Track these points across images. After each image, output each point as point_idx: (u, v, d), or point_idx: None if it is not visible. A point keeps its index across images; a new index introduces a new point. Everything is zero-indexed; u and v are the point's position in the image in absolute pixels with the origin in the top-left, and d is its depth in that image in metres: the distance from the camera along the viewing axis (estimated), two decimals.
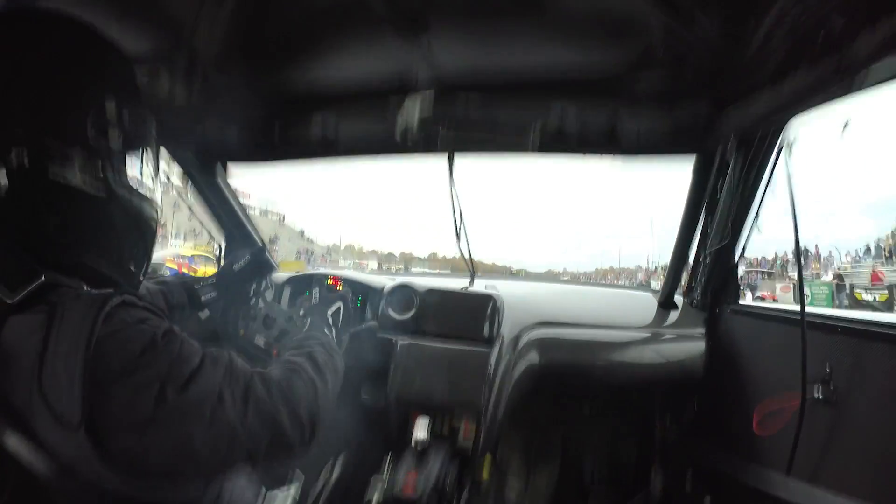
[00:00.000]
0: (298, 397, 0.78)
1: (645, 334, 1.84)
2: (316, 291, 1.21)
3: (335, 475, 1.25)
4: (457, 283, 1.83)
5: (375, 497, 1.15)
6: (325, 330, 1.10)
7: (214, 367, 0.68)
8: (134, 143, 0.74)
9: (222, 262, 1.57)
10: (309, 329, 1.11)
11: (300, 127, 1.57)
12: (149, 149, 0.79)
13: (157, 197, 0.82)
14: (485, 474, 1.54)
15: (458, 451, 1.42)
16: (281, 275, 1.91)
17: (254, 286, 1.45)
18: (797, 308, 1.30)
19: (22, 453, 0.56)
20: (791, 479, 1.23)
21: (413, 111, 1.32)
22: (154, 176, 0.82)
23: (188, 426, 0.63)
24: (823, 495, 1.13)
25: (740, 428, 1.53)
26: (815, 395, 1.22)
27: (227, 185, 1.92)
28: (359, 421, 1.51)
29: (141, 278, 0.82)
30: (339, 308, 1.19)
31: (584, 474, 2.12)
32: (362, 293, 1.78)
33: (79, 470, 0.58)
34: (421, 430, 1.24)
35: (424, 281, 1.80)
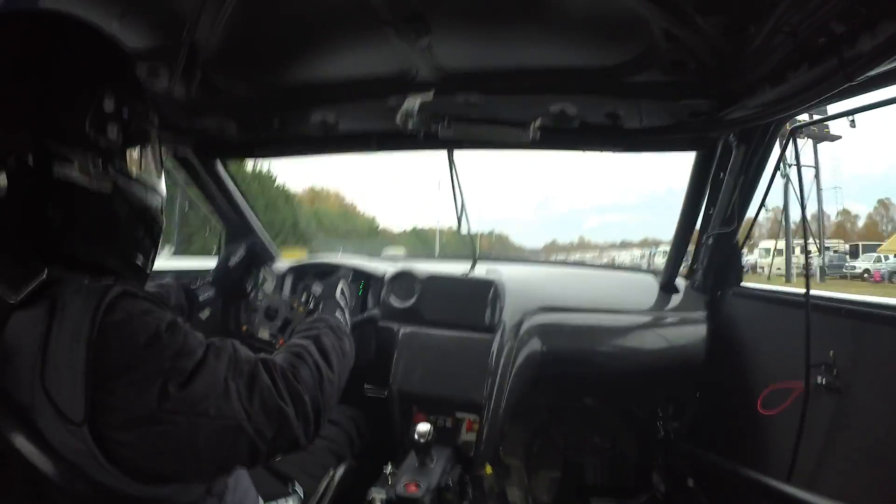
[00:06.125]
0: (304, 385, 0.76)
1: (647, 318, 1.84)
2: (317, 287, 1.21)
3: (336, 482, 1.26)
4: (458, 269, 1.82)
5: (378, 500, 1.16)
6: (337, 313, 1.09)
7: (218, 359, 0.66)
8: (136, 137, 0.73)
9: (222, 252, 1.56)
10: (321, 311, 1.11)
11: (300, 123, 1.56)
12: (151, 141, 0.78)
13: (162, 188, 0.81)
14: (487, 470, 1.56)
15: (461, 446, 1.43)
16: (282, 264, 1.90)
17: (251, 279, 1.43)
18: (800, 290, 1.30)
19: (28, 451, 0.56)
20: (795, 468, 1.23)
21: (413, 108, 1.31)
22: (158, 167, 0.81)
23: (193, 423, 0.62)
24: (826, 488, 1.13)
25: (743, 411, 1.54)
26: (819, 380, 1.22)
27: (227, 175, 1.91)
28: (362, 415, 1.53)
29: (148, 271, 0.81)
30: (342, 290, 1.19)
31: (587, 470, 2.14)
32: (363, 280, 1.77)
33: (83, 468, 0.58)
34: (424, 424, 1.25)
35: (425, 266, 1.80)
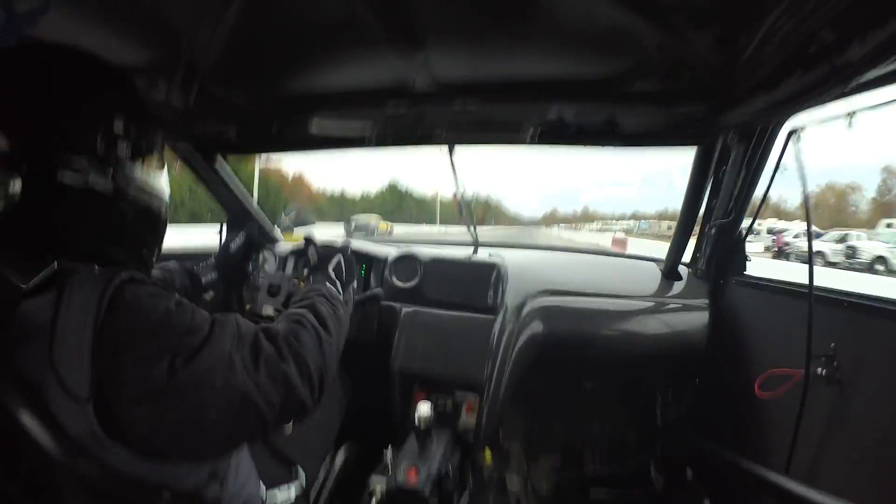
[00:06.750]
0: (306, 349, 0.79)
1: (649, 304, 1.84)
2: (312, 250, 1.23)
3: (337, 467, 1.28)
4: (460, 252, 1.83)
5: (378, 489, 1.16)
6: (329, 284, 1.11)
7: (223, 333, 0.69)
8: (141, 150, 0.77)
9: (222, 240, 1.58)
10: (311, 283, 1.13)
11: (298, 125, 1.58)
12: (156, 151, 0.82)
13: (166, 191, 0.85)
14: (487, 459, 1.57)
15: (461, 432, 1.44)
16: (285, 246, 1.91)
17: (252, 261, 1.47)
18: (803, 281, 1.29)
19: (36, 431, 0.57)
20: (793, 458, 1.24)
21: (411, 113, 1.33)
22: (162, 173, 0.85)
23: (200, 396, 0.64)
24: (824, 478, 1.15)
25: (742, 400, 1.55)
26: (819, 371, 1.22)
27: (227, 169, 1.93)
28: (362, 395, 1.54)
29: (153, 261, 0.85)
30: (339, 261, 1.20)
31: (585, 459, 2.15)
32: (367, 262, 1.78)
33: (88, 447, 0.59)
34: (424, 407, 1.25)
35: (428, 250, 1.80)
